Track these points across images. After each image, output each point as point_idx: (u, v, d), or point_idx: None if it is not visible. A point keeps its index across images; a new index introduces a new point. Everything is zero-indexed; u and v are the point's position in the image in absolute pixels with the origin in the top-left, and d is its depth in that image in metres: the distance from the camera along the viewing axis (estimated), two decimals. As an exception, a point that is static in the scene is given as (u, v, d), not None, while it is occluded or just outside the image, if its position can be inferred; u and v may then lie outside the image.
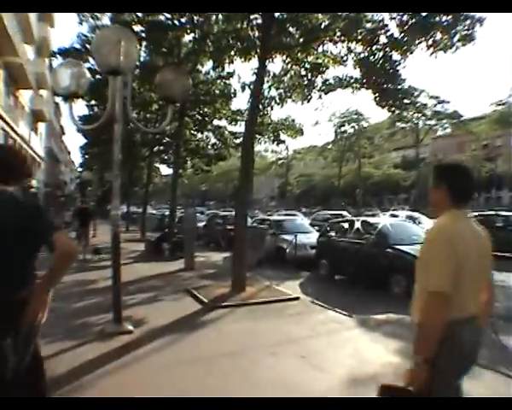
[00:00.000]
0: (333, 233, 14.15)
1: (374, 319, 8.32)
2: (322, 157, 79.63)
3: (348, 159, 69.90)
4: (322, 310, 8.95)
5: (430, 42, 11.10)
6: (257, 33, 12.52)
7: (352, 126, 62.67)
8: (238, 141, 24.12)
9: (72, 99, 7.43)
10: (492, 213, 21.01)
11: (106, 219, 45.62)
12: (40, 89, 43.46)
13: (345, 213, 32.75)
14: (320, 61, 13.12)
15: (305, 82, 14.11)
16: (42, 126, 50.29)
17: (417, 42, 11.25)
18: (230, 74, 17.20)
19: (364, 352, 6.46)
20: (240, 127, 24.66)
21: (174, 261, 15.98)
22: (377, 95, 12.72)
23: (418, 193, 68.32)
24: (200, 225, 23.87)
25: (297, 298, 9.87)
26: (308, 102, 15.10)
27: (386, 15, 11.35)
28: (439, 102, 50.43)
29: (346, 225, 14.07)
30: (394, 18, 11.33)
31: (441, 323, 2.55)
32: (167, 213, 41.59)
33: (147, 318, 8.01)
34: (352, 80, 13.43)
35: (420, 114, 40.56)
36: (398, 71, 12.17)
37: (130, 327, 7.27)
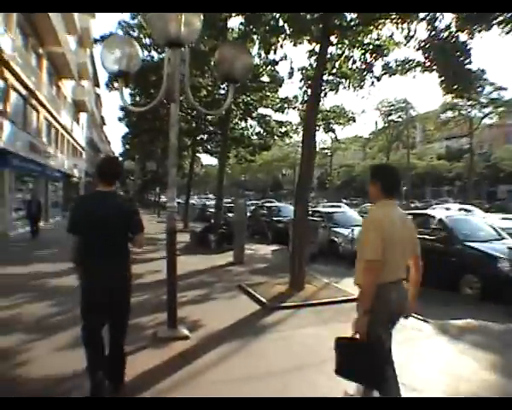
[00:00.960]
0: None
1: (453, 326, 7.43)
2: (368, 147, 78.13)
3: (395, 149, 68.32)
4: (392, 313, 8.11)
5: (508, 17, 10.01)
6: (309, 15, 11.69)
7: (399, 116, 60.90)
8: (284, 130, 23.45)
9: (121, 80, 6.72)
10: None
11: (146, 208, 45.73)
12: (81, 79, 43.50)
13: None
14: (381, 42, 12.21)
15: (363, 66, 13.23)
16: (83, 117, 50.47)
17: (490, 19, 10.17)
18: (281, 58, 16.22)
19: (455, 367, 5.60)
20: (286, 116, 23.97)
21: (221, 254, 15.34)
22: (443, 78, 11.73)
23: (463, 185, 66.44)
24: (244, 215, 23.23)
25: (362, 298, 9.04)
26: (361, 88, 14.24)
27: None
28: (495, 89, 48.14)
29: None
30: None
31: (375, 282, 3.51)
32: (208, 202, 41.51)
33: (202, 320, 7.29)
34: (415, 63, 12.48)
35: (475, 102, 39.02)
36: (468, 51, 11.15)
37: (186, 332, 6.53)
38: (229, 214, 23.07)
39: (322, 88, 13.40)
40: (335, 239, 15.15)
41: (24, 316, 7.37)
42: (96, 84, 60.12)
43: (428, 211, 15.00)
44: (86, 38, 40.97)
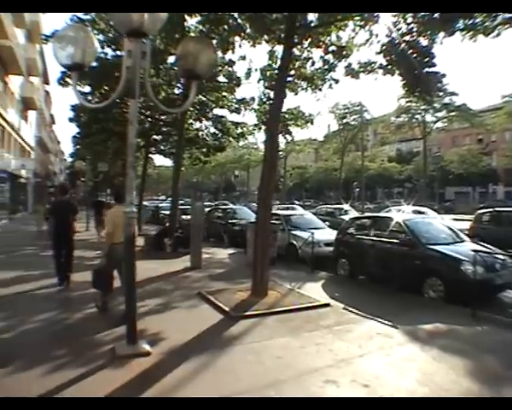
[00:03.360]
0: (352, 230, 13.05)
1: (423, 331, 7.26)
2: (322, 149, 78.67)
3: (350, 151, 69.01)
4: (360, 319, 7.82)
5: (469, 24, 9.95)
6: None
7: (354, 119, 61.50)
8: (240, 131, 23.16)
9: (76, 71, 6.14)
10: (510, 209, 19.95)
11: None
12: (31, 75, 41.91)
13: (347, 206, 31.67)
14: (343, 43, 12.04)
15: (325, 67, 13.05)
16: (32, 115, 48.67)
17: (456, 25, 10.09)
18: (240, 58, 15.82)
19: (432, 375, 5.37)
20: (242, 117, 23.67)
21: (177, 258, 14.82)
22: (406, 81, 11.65)
23: (413, 187, 67.85)
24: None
25: (327, 304, 8.73)
26: (320, 90, 14.10)
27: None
28: (447, 94, 49.42)
29: (368, 222, 12.96)
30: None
31: (110, 242, 7.59)
32: (161, 204, 40.59)
33: (163, 332, 6.80)
34: (377, 65, 12.38)
35: (429, 106, 39.67)
36: (431, 55, 11.09)
37: (147, 347, 5.96)
38: (184, 217, 22.45)
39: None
40: (294, 243, 14.84)
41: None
42: (46, 82, 58.21)
43: (389, 214, 14.95)
44: (36, 33, 39.31)
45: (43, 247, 16.87)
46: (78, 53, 5.81)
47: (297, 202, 56.84)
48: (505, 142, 63.60)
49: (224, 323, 7.50)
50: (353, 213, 26.78)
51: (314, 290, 10.24)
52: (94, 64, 17.99)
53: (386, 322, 7.52)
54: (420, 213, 23.32)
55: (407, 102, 49.65)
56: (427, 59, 11.09)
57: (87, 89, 21.09)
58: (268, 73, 14.77)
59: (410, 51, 11.10)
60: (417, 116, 55.39)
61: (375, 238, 11.66)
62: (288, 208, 30.30)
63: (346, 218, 21.93)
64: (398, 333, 7.05)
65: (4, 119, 31.48)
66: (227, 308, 8.13)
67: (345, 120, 62.71)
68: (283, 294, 9.49)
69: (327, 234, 15.25)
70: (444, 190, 69.65)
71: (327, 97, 15.08)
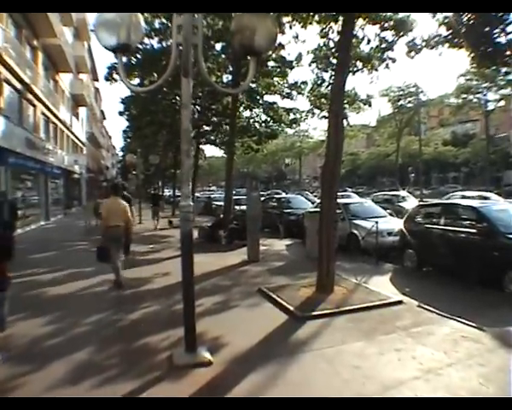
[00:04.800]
0: (419, 219, 12.11)
1: (514, 334, 6.39)
2: (377, 134, 76.49)
3: (403, 135, 66.26)
4: (439, 319, 6.98)
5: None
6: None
7: (409, 101, 59.05)
8: (292, 117, 22.46)
9: (121, 54, 5.56)
10: None
11: (147, 202, 44.98)
12: (80, 73, 42.54)
13: (404, 192, 30.53)
14: (404, 17, 11.16)
15: (383, 45, 12.22)
16: (82, 111, 49.38)
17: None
18: (294, 37, 15.02)
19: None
20: (294, 102, 22.91)
21: (233, 251, 14.37)
22: (479, 51, 10.66)
23: (470, 171, 65.11)
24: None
25: (400, 302, 7.93)
26: (376, 70, 13.32)
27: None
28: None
29: (437, 210, 11.95)
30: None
31: (105, 225, 9.49)
32: (212, 196, 40.46)
33: (224, 336, 6.18)
34: (441, 38, 11.44)
35: (491, 84, 37.36)
36: (505, 21, 10.06)
37: (208, 355, 5.36)
38: (237, 207, 22.02)
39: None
40: (356, 232, 14.04)
41: (15, 339, 6.23)
42: (95, 79, 59.12)
43: (460, 200, 13.89)
44: (83, 31, 39.98)
45: (93, 242, 16.82)
46: (122, 32, 5.23)
47: (350, 189, 55.41)
48: None
49: (290, 324, 6.85)
50: (412, 200, 25.66)
51: (382, 285, 9.48)
52: (139, 56, 18.06)
53: (470, 323, 6.67)
54: (485, 198, 21.96)
55: (467, 80, 47.13)
56: (501, 26, 10.06)
57: (136, 81, 20.92)
58: (322, 54, 14.10)
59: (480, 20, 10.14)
60: (478, 95, 52.16)
61: (445, 227, 10.74)
62: (342, 196, 29.32)
63: (405, 205, 20.99)
64: (486, 337, 6.17)
65: (56, 116, 31.82)
66: (292, 307, 7.47)
67: (399, 103, 60.33)
68: (350, 289, 8.74)
69: (389, 223, 14.36)
70: (502, 173, 66.41)
71: (381, 79, 14.37)
